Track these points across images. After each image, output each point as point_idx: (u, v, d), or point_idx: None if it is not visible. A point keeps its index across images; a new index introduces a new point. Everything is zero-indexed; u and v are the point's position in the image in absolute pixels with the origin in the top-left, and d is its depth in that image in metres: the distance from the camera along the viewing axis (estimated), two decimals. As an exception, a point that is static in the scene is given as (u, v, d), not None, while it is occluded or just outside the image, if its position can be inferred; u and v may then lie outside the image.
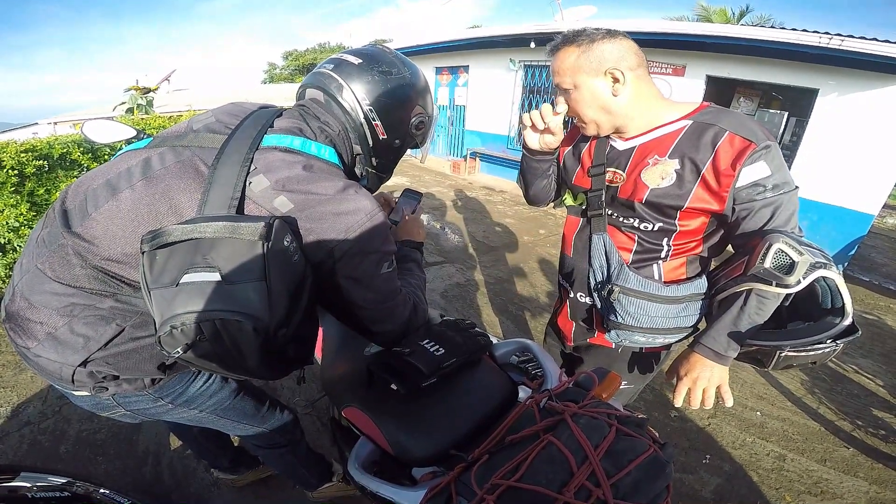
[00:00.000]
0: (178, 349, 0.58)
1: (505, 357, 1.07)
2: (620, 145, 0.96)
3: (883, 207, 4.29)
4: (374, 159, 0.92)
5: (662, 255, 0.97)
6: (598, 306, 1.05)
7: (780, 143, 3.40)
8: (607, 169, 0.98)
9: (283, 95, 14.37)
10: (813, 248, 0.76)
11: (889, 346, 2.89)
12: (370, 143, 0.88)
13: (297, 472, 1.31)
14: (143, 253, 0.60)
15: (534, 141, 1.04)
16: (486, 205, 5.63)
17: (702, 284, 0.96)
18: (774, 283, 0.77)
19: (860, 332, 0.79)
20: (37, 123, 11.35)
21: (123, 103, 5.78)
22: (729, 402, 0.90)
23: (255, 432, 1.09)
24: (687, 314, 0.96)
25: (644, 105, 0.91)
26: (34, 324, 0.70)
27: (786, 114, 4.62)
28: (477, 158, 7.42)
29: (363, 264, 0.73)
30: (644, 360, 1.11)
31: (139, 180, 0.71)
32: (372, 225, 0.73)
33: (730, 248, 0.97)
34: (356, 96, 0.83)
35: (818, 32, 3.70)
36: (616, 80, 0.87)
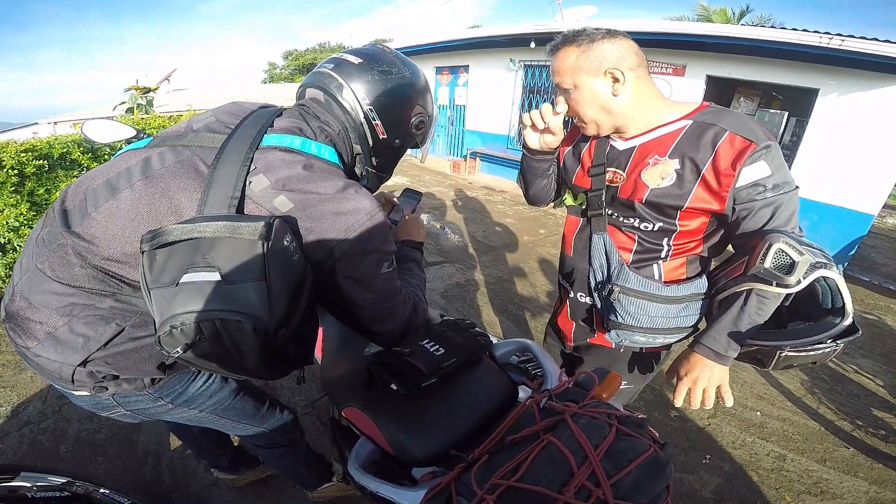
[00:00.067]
0: (178, 349, 0.58)
1: (505, 357, 1.07)
2: (620, 145, 0.96)
3: (883, 207, 4.28)
4: (374, 159, 0.92)
5: (662, 254, 0.97)
6: (599, 306, 1.05)
7: (780, 143, 3.40)
8: (607, 169, 0.97)
9: (284, 95, 14.37)
10: (813, 247, 0.76)
11: (889, 346, 2.89)
12: (370, 142, 0.88)
13: (297, 472, 1.31)
14: (142, 252, 0.59)
15: (534, 140, 1.04)
16: (486, 205, 5.63)
17: (702, 284, 0.96)
18: (775, 283, 0.77)
19: (860, 332, 0.79)
20: (37, 123, 11.36)
21: (123, 103, 5.79)
22: (729, 402, 0.90)
23: (255, 432, 1.09)
24: (687, 314, 0.96)
25: (644, 105, 0.90)
26: (34, 323, 0.70)
27: (786, 114, 4.62)
28: (477, 158, 7.42)
29: (363, 264, 0.73)
30: (644, 360, 1.11)
31: (139, 180, 0.71)
32: (372, 225, 0.73)
33: (730, 247, 0.97)
34: (356, 96, 0.83)
35: (818, 32, 3.70)
36: (616, 80, 0.87)
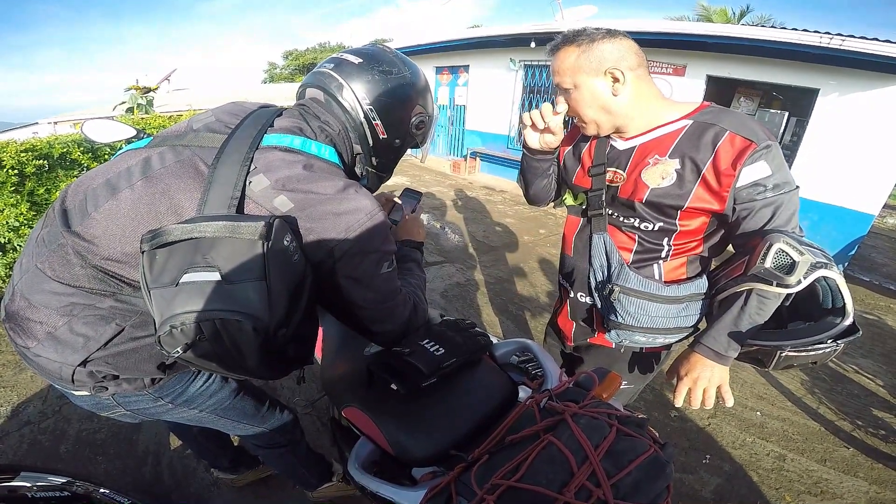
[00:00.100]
0: (178, 349, 0.58)
1: (505, 357, 1.07)
2: (621, 145, 0.96)
3: (883, 207, 4.28)
4: (374, 159, 0.92)
5: (663, 254, 0.96)
6: (599, 306, 1.05)
7: (780, 143, 3.39)
8: (608, 169, 0.97)
9: (284, 95, 14.36)
10: (814, 247, 0.76)
11: (889, 347, 2.89)
12: (370, 142, 0.88)
13: (297, 472, 1.31)
14: (142, 252, 0.59)
15: (534, 140, 1.04)
16: (487, 204, 5.63)
17: (702, 284, 0.96)
18: (775, 282, 0.77)
19: (861, 333, 0.79)
20: (37, 123, 11.36)
21: (123, 103, 5.78)
22: (729, 402, 0.90)
23: (255, 432, 1.09)
24: (687, 314, 0.96)
25: (644, 105, 0.90)
26: (34, 323, 0.70)
27: (786, 114, 4.62)
28: (477, 158, 7.42)
29: (363, 264, 0.73)
30: (644, 360, 1.11)
31: (139, 180, 0.71)
32: (372, 224, 0.73)
33: (730, 247, 0.97)
34: (356, 96, 0.83)
35: (819, 32, 3.70)
36: (616, 80, 0.87)
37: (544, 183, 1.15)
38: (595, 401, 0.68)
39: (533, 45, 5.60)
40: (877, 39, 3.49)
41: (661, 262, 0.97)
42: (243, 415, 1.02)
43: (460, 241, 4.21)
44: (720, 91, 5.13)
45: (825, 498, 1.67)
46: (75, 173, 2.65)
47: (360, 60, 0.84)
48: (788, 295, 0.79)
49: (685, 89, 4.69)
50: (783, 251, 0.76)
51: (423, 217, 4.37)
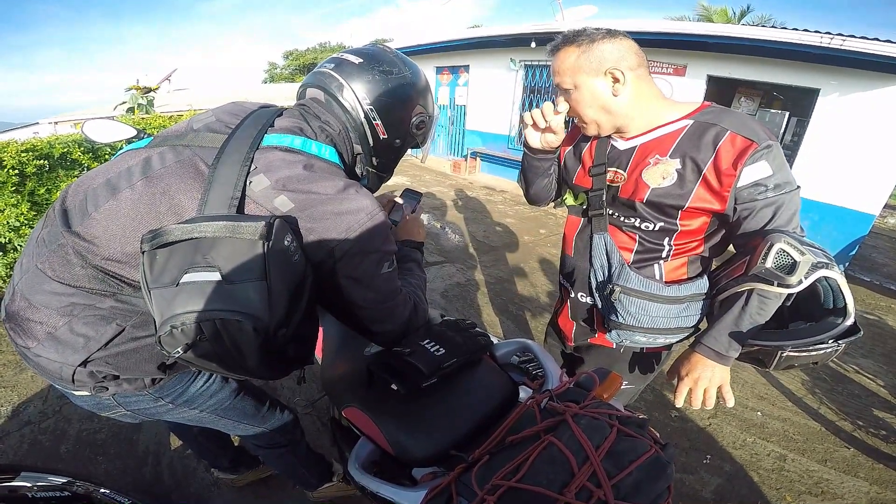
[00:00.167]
0: (179, 349, 0.58)
1: (505, 357, 1.06)
2: (621, 145, 0.96)
3: (884, 207, 4.29)
4: (374, 159, 0.92)
5: (663, 254, 0.96)
6: (599, 306, 1.05)
7: (780, 143, 3.39)
8: (608, 168, 0.97)
9: (284, 95, 14.37)
10: (815, 247, 0.76)
11: (890, 347, 2.89)
12: (371, 142, 0.88)
13: (297, 472, 1.31)
14: (143, 252, 0.59)
15: (535, 140, 1.04)
16: (487, 204, 5.63)
17: (703, 284, 0.95)
18: (776, 283, 0.77)
19: (862, 333, 0.79)
20: (38, 123, 11.37)
21: (124, 103, 5.79)
22: (730, 403, 0.90)
23: (255, 432, 1.09)
24: (688, 314, 0.96)
25: (645, 105, 0.90)
26: (34, 323, 0.70)
27: (787, 114, 4.62)
28: (477, 158, 7.42)
29: (363, 264, 0.73)
30: (645, 360, 1.10)
31: (139, 180, 0.70)
32: (372, 224, 0.73)
33: (731, 248, 0.97)
34: (357, 96, 0.83)
35: (819, 32, 3.70)
36: (616, 80, 0.87)
37: (545, 183, 1.15)
38: (596, 401, 0.68)
39: (533, 45, 5.60)
40: (877, 39, 3.49)
41: (661, 262, 0.97)
42: (244, 415, 1.02)
43: (460, 241, 4.21)
44: (721, 91, 5.13)
45: (826, 498, 1.67)
46: (76, 173, 2.65)
47: (361, 60, 0.84)
48: (789, 295, 0.79)
49: (686, 89, 4.69)
50: (784, 251, 0.76)
51: (424, 217, 4.37)
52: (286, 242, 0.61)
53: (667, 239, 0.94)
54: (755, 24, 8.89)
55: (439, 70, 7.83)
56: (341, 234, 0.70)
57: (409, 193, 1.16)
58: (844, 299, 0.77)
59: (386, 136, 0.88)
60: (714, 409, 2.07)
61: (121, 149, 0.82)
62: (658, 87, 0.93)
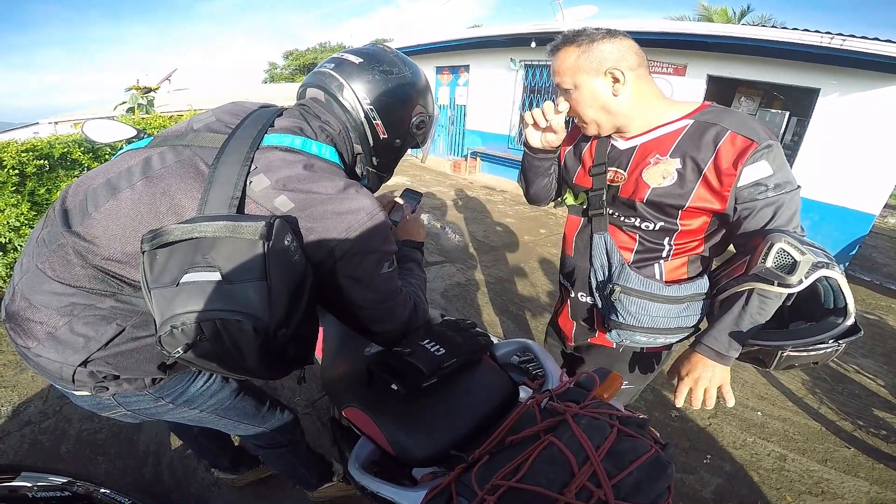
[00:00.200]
0: (179, 349, 0.58)
1: (506, 357, 1.06)
2: (622, 145, 0.96)
3: (884, 207, 4.28)
4: (374, 158, 0.92)
5: (664, 254, 0.96)
6: (600, 306, 1.05)
7: (781, 143, 3.39)
8: (608, 168, 0.97)
9: (284, 95, 14.37)
10: (815, 247, 0.76)
11: (890, 346, 2.89)
12: (371, 142, 0.88)
13: (297, 472, 1.31)
14: (143, 252, 0.59)
15: (535, 139, 1.04)
16: (487, 204, 5.63)
17: (703, 284, 0.95)
18: (776, 282, 0.77)
19: (862, 332, 0.79)
20: (38, 123, 11.37)
21: (124, 103, 5.79)
22: (730, 403, 0.90)
23: (255, 432, 1.09)
24: (688, 314, 0.96)
25: (645, 105, 0.90)
26: (34, 324, 0.70)
27: (787, 113, 4.61)
28: (478, 158, 7.42)
29: (363, 264, 0.73)
30: (645, 360, 1.10)
31: (139, 179, 0.70)
32: (373, 224, 0.73)
33: (731, 247, 0.97)
34: (357, 95, 0.83)
35: (819, 32, 3.70)
36: (616, 80, 0.87)
37: (545, 182, 1.15)
38: (596, 401, 0.68)
39: (533, 44, 5.60)
40: (878, 39, 3.49)
41: (662, 261, 0.97)
42: (244, 415, 1.02)
43: (461, 240, 4.21)
44: (721, 91, 5.13)
45: (826, 498, 1.67)
46: (76, 173, 2.65)
47: (361, 60, 0.84)
48: (790, 295, 0.79)
49: (686, 89, 4.69)
50: (784, 251, 0.76)
51: (424, 217, 4.37)
52: (286, 242, 0.61)
53: (667, 239, 0.94)
54: (755, 24, 8.89)
55: (439, 70, 7.83)
56: (341, 233, 0.70)
57: (409, 193, 1.16)
58: (845, 299, 0.77)
59: (386, 136, 0.88)
60: (714, 409, 2.07)
61: (121, 149, 0.82)
62: (658, 86, 0.92)
